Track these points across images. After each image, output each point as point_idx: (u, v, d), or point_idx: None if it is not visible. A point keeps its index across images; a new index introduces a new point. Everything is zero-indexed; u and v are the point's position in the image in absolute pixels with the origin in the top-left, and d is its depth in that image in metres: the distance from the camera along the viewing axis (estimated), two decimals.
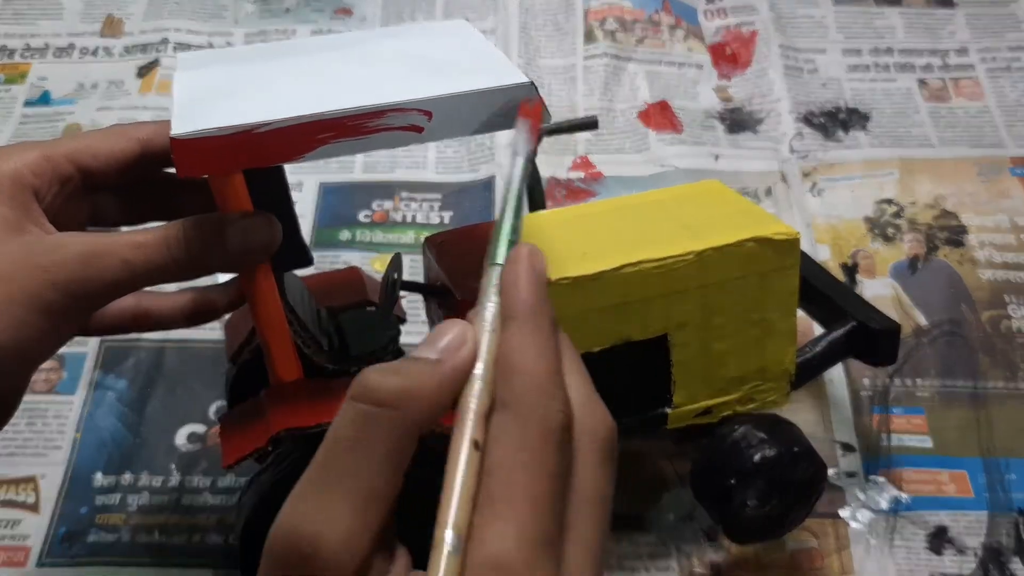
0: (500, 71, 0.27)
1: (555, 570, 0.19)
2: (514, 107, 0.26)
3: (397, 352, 0.36)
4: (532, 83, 0.26)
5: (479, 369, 0.20)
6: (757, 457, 0.34)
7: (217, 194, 0.29)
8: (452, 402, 0.20)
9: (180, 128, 0.25)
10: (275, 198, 0.30)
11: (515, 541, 0.18)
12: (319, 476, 0.19)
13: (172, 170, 0.30)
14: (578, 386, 0.21)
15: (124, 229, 0.31)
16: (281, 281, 0.31)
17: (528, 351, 0.20)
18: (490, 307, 0.21)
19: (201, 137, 0.24)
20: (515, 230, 0.22)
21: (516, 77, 0.26)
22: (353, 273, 0.38)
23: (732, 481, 0.34)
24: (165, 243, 0.27)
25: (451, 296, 0.31)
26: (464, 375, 0.20)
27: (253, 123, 0.25)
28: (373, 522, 0.19)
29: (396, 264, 0.33)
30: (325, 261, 0.51)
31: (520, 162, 0.23)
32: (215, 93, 0.28)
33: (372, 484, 0.19)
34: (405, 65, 0.29)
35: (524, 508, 0.18)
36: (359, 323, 0.35)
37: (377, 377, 0.20)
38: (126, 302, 0.31)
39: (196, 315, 0.32)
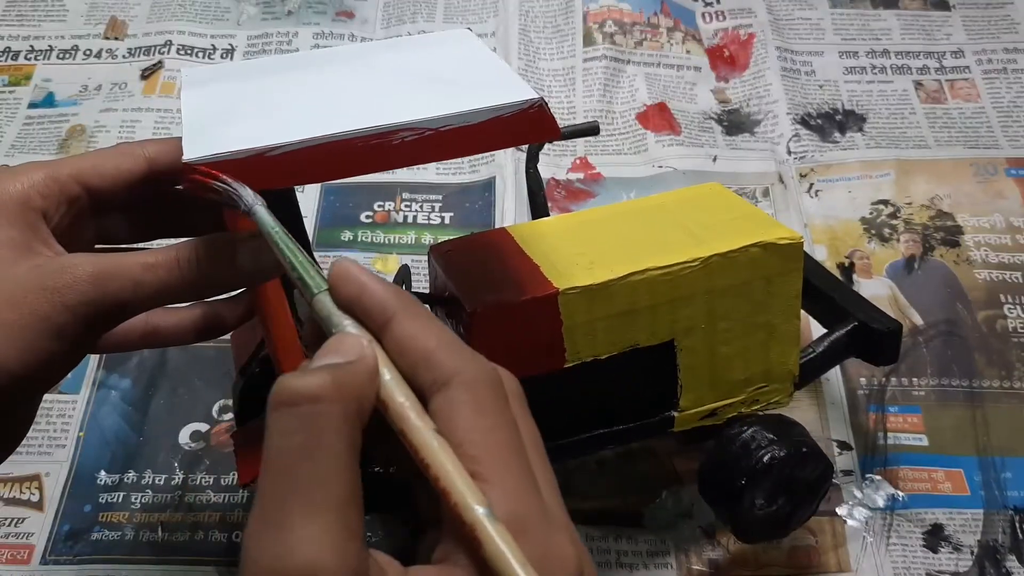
0: (509, 85, 0.27)
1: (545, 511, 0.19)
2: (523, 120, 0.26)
3: None
4: (542, 98, 0.26)
5: (388, 374, 0.20)
6: (767, 458, 0.34)
7: (227, 214, 0.28)
8: (376, 399, 0.20)
9: (192, 151, 0.25)
10: (285, 215, 0.30)
11: (516, 496, 0.19)
12: (281, 499, 0.18)
13: (181, 187, 0.31)
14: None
15: (131, 247, 0.31)
16: (291, 296, 0.31)
17: (430, 332, 0.20)
18: (348, 324, 0.21)
19: (214, 161, 0.24)
20: (310, 261, 0.22)
21: (526, 92, 0.26)
22: None
23: (742, 482, 0.34)
24: (176, 263, 0.27)
25: (459, 305, 0.31)
26: (376, 372, 0.20)
27: (265, 146, 0.25)
28: (356, 528, 0.18)
29: (404, 275, 0.33)
30: (327, 261, 0.51)
31: (260, 210, 0.23)
32: (224, 113, 0.27)
33: (342, 488, 0.18)
34: (412, 80, 0.28)
35: (510, 465, 0.19)
36: None
37: (303, 378, 0.19)
38: (135, 320, 0.31)
39: (205, 330, 0.32)
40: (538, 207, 0.42)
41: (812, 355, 0.37)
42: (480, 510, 0.18)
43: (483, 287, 0.32)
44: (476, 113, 0.26)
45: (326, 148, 0.25)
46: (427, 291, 0.36)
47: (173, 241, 0.34)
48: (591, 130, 0.40)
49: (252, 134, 0.25)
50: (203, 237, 0.27)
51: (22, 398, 0.28)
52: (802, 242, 0.33)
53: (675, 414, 0.35)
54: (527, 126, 0.26)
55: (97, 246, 0.31)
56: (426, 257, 0.35)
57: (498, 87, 0.27)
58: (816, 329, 0.44)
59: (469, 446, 0.19)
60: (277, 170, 0.25)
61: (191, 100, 0.29)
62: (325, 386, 0.19)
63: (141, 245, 0.32)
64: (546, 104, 0.26)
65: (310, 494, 0.18)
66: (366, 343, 0.20)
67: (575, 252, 0.33)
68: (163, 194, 0.31)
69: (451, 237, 0.51)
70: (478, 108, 0.26)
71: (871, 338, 0.37)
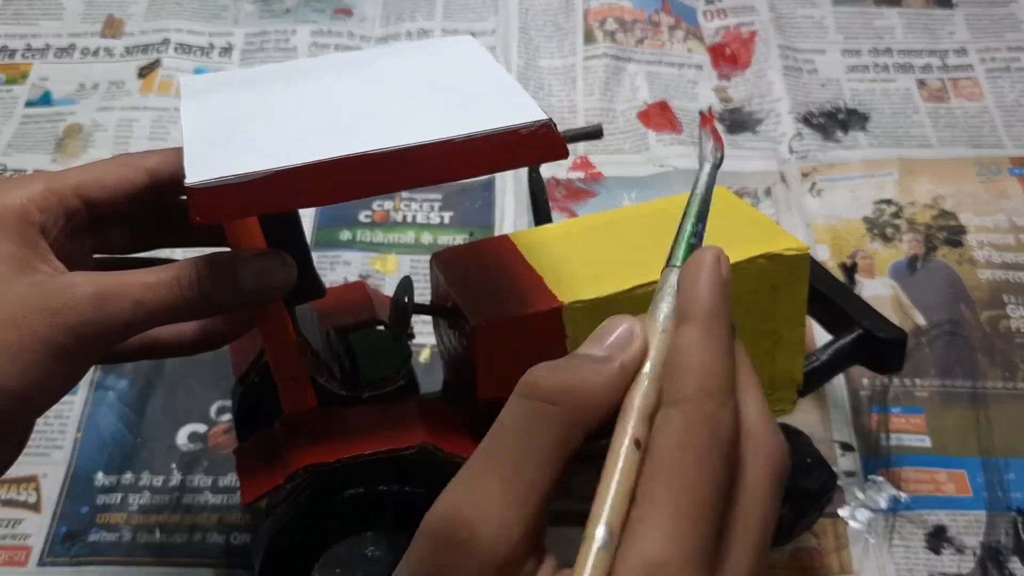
0: (516, 104, 0.26)
1: None
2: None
3: (409, 375, 0.35)
4: (550, 119, 0.26)
5: (647, 368, 0.20)
6: None
7: (229, 231, 0.28)
8: (620, 400, 0.20)
9: (195, 174, 0.24)
10: (287, 232, 0.29)
11: (672, 543, 0.18)
12: (483, 465, 0.19)
13: (183, 197, 0.30)
14: (757, 405, 0.21)
15: (130, 264, 0.31)
16: (293, 313, 0.30)
17: (702, 351, 0.20)
18: (664, 308, 0.21)
19: (219, 185, 0.24)
20: (696, 234, 0.22)
21: (533, 113, 0.26)
22: (359, 289, 0.38)
23: None
24: (177, 283, 0.26)
25: (462, 317, 0.31)
26: (631, 373, 0.20)
27: (271, 169, 0.24)
28: (530, 515, 0.19)
29: (406, 287, 0.32)
30: (325, 261, 0.51)
31: (707, 168, 0.23)
32: (226, 129, 0.27)
33: (532, 477, 0.19)
34: (416, 97, 0.28)
35: (684, 510, 0.18)
36: (369, 346, 0.35)
37: (543, 373, 0.20)
38: None
39: (204, 342, 0.32)
40: (540, 211, 0.42)
41: (816, 363, 0.37)
42: (600, 531, 0.18)
43: (487, 299, 0.31)
44: (484, 135, 0.25)
45: (330, 171, 0.24)
46: (429, 300, 0.35)
47: (174, 252, 0.33)
48: (594, 133, 0.40)
49: (257, 156, 0.25)
50: (205, 255, 0.27)
51: (20, 418, 0.27)
52: (808, 252, 0.33)
53: None
54: (535, 147, 0.26)
55: (95, 256, 0.31)
56: (425, 257, 0.35)
57: (505, 106, 0.26)
58: (819, 332, 0.44)
59: (653, 470, 0.19)
60: (283, 193, 0.24)
61: (191, 114, 0.28)
62: (555, 389, 0.20)
63: (141, 255, 0.32)
64: (554, 124, 0.26)
65: (504, 470, 0.19)
66: (637, 337, 0.20)
67: (579, 262, 0.32)
68: (163, 205, 0.31)
69: (451, 237, 0.51)
70: (486, 130, 0.25)
71: (876, 346, 0.37)
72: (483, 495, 0.19)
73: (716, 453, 0.19)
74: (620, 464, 0.19)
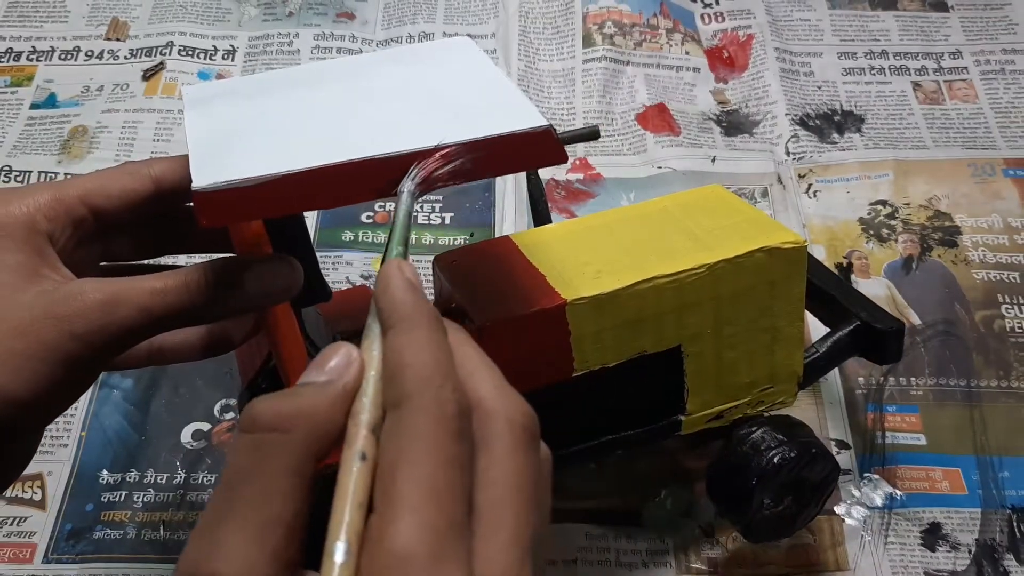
0: (515, 109, 0.27)
1: (466, 558, 0.18)
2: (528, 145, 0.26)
3: None
4: (551, 125, 0.26)
5: (366, 384, 0.20)
6: (777, 459, 0.34)
7: (235, 236, 0.28)
8: (346, 422, 0.20)
9: (201, 178, 0.24)
10: (293, 236, 0.30)
11: (417, 533, 0.17)
12: (215, 512, 0.19)
13: (189, 204, 0.30)
14: (486, 377, 0.21)
15: (137, 271, 0.31)
16: (300, 317, 0.31)
17: (409, 348, 0.20)
18: (375, 328, 0.21)
19: (225, 189, 0.24)
20: (402, 256, 0.22)
21: (534, 119, 0.26)
22: (362, 292, 0.38)
23: (753, 483, 0.34)
24: (185, 289, 0.26)
25: (467, 318, 0.31)
26: (354, 393, 0.20)
27: (276, 173, 0.24)
28: (277, 550, 0.18)
29: None
30: (327, 261, 0.52)
31: (404, 197, 0.24)
32: (230, 135, 0.27)
33: (271, 512, 0.18)
34: (416, 102, 0.28)
35: (422, 499, 0.18)
36: None
37: (265, 404, 0.19)
38: None
39: (211, 347, 0.32)
40: (540, 213, 0.42)
41: (815, 355, 0.37)
42: (339, 546, 0.18)
43: (490, 299, 0.31)
44: (485, 141, 0.25)
45: (334, 176, 0.25)
46: (432, 303, 0.35)
47: (179, 259, 0.34)
48: (592, 135, 0.40)
49: (262, 160, 0.25)
50: (212, 260, 0.27)
51: (29, 427, 0.27)
52: (806, 245, 0.33)
53: (682, 418, 0.35)
54: (535, 153, 0.26)
55: (102, 264, 0.31)
56: (426, 257, 0.35)
57: (505, 112, 0.26)
58: (816, 326, 0.45)
59: (388, 473, 0.18)
60: (288, 197, 0.25)
61: (195, 121, 0.28)
62: (281, 417, 0.19)
63: (147, 262, 0.33)
64: (554, 129, 0.26)
65: (240, 512, 0.18)
66: (355, 360, 0.20)
67: (581, 261, 0.33)
68: (168, 212, 0.31)
69: (452, 238, 0.51)
70: (487, 136, 0.25)
71: (874, 337, 0.37)
72: (222, 541, 0.18)
73: (445, 433, 0.19)
74: (350, 478, 0.18)
